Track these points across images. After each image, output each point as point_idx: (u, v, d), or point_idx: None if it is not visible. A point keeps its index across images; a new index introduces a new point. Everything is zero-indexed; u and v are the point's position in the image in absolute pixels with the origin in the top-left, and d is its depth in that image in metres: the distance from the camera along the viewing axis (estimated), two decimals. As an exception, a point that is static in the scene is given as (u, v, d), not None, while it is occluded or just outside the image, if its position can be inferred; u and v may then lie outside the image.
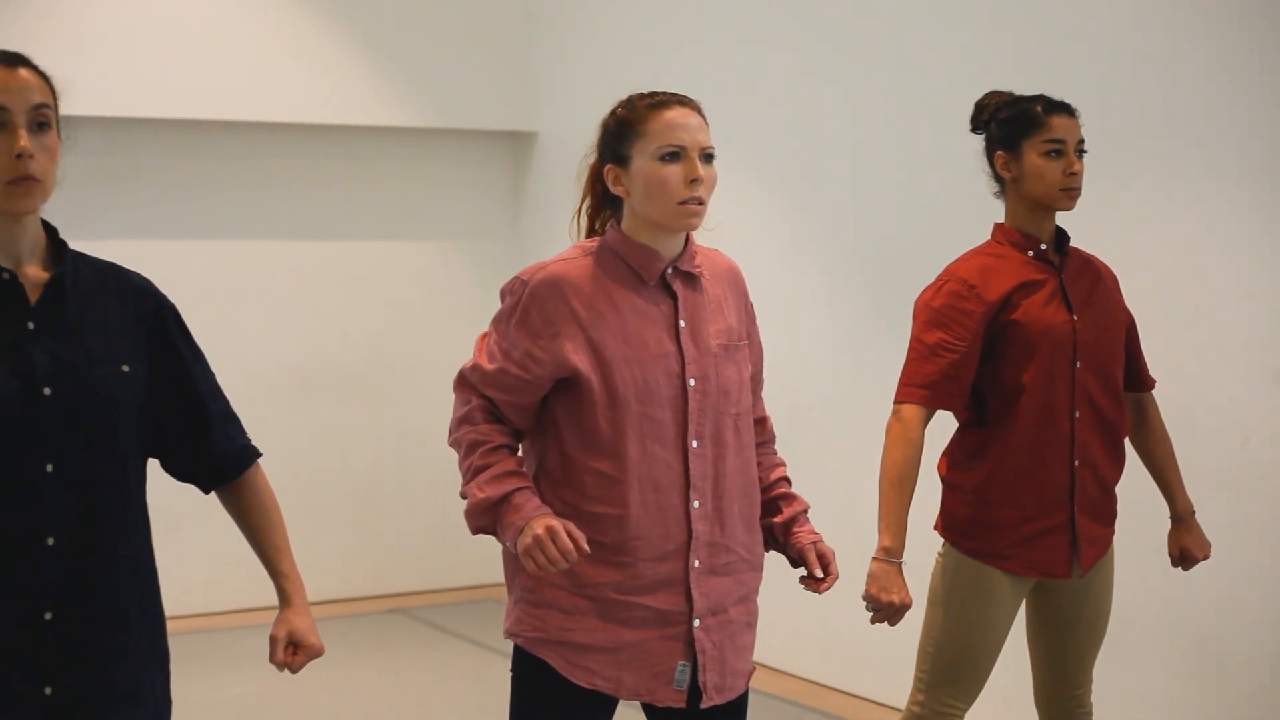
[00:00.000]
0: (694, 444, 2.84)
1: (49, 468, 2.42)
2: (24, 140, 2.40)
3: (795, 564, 3.02)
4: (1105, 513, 3.63)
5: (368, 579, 7.31)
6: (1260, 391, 4.44)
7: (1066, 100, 3.63)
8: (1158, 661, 4.64)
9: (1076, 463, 3.53)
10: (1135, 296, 4.75)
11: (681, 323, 2.88)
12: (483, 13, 7.44)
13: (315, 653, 2.68)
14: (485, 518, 2.84)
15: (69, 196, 7.12)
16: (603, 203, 2.99)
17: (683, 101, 2.90)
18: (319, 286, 7.22)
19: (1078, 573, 3.58)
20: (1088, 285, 3.64)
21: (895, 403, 3.57)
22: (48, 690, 2.42)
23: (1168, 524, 3.83)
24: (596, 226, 3.01)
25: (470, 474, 2.85)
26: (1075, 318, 3.56)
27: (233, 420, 2.70)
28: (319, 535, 7.00)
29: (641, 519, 2.81)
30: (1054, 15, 5.10)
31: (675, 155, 2.83)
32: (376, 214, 7.41)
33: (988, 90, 3.75)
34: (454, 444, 2.92)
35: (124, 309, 2.55)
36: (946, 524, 3.62)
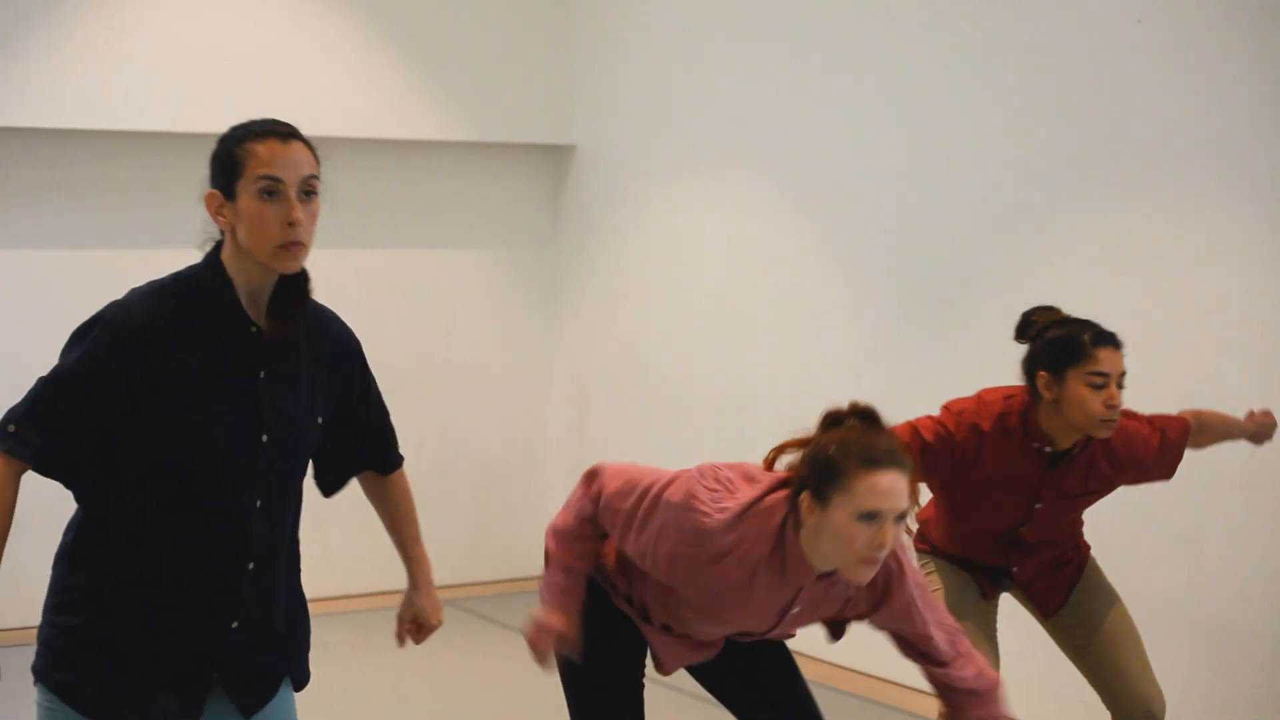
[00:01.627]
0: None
1: (258, 504, 2.73)
2: (296, 211, 2.66)
3: None
4: (1053, 558, 4.06)
5: (399, 575, 7.56)
6: (1265, 391, 4.68)
7: (1112, 332, 3.79)
8: (1171, 647, 4.90)
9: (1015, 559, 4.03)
10: (1148, 301, 5.06)
11: (795, 608, 3.14)
12: (524, 32, 7.75)
13: (433, 629, 3.05)
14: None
15: (149, 209, 7.50)
16: (792, 504, 3.00)
17: (896, 463, 2.86)
18: (368, 292, 7.50)
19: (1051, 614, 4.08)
20: (1079, 479, 3.91)
21: None
22: (215, 675, 2.75)
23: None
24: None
25: (559, 559, 3.21)
26: (1037, 505, 3.90)
27: (392, 434, 3.06)
28: (366, 532, 7.22)
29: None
30: (1083, 29, 5.35)
31: (873, 516, 2.83)
32: (423, 224, 7.72)
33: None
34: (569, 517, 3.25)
35: (326, 361, 2.85)
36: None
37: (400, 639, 3.06)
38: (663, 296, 7.31)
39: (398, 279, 7.65)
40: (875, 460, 2.83)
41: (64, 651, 2.71)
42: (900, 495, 2.83)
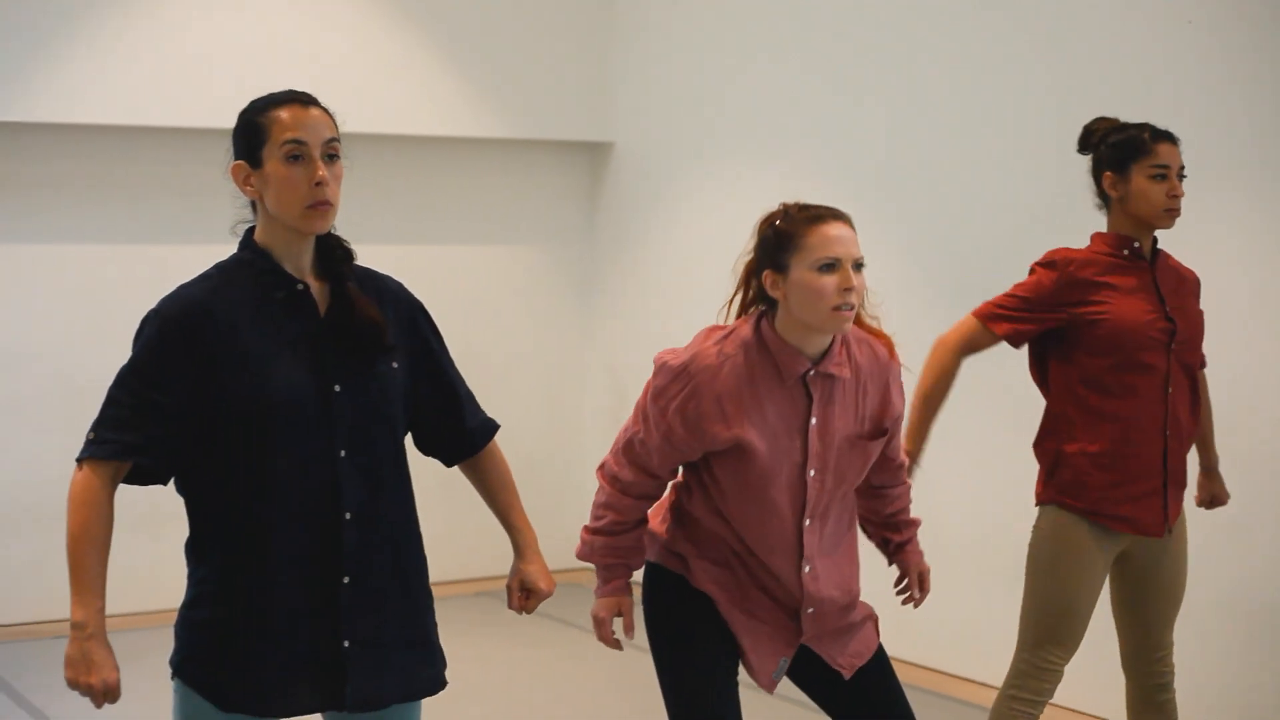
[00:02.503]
0: (807, 522, 3.24)
1: (342, 453, 2.81)
2: (321, 170, 2.79)
3: (899, 577, 3.54)
4: (1184, 478, 4.07)
5: (456, 564, 7.69)
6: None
7: (1169, 129, 4.03)
8: (1222, 631, 4.98)
9: (1168, 434, 3.96)
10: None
11: (813, 420, 3.21)
12: (563, 30, 7.82)
13: (545, 596, 3.10)
14: (589, 561, 3.38)
15: (209, 203, 7.61)
16: (754, 300, 3.30)
17: (838, 216, 3.19)
18: (409, 287, 7.56)
19: (1166, 531, 4.02)
20: (1174, 281, 4.06)
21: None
22: (346, 644, 2.82)
23: (1229, 505, 4.32)
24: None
25: (595, 530, 3.35)
26: (1166, 307, 3.98)
27: (473, 399, 3.12)
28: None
29: (763, 566, 3.27)
30: (1130, 28, 5.43)
31: (832, 265, 3.11)
32: (461, 219, 7.80)
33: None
34: (600, 484, 3.37)
35: (392, 317, 2.95)
36: (1055, 489, 4.02)
37: (514, 608, 3.12)
38: (701, 292, 7.33)
39: (436, 274, 7.71)
40: (819, 215, 3.17)
41: (198, 645, 2.81)
42: (852, 242, 3.15)
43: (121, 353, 7.78)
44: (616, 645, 3.40)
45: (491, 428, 3.14)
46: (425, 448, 3.09)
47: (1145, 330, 3.92)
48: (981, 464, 5.82)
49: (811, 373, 3.19)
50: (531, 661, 6.47)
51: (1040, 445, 4.08)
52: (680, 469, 3.36)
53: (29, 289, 6.82)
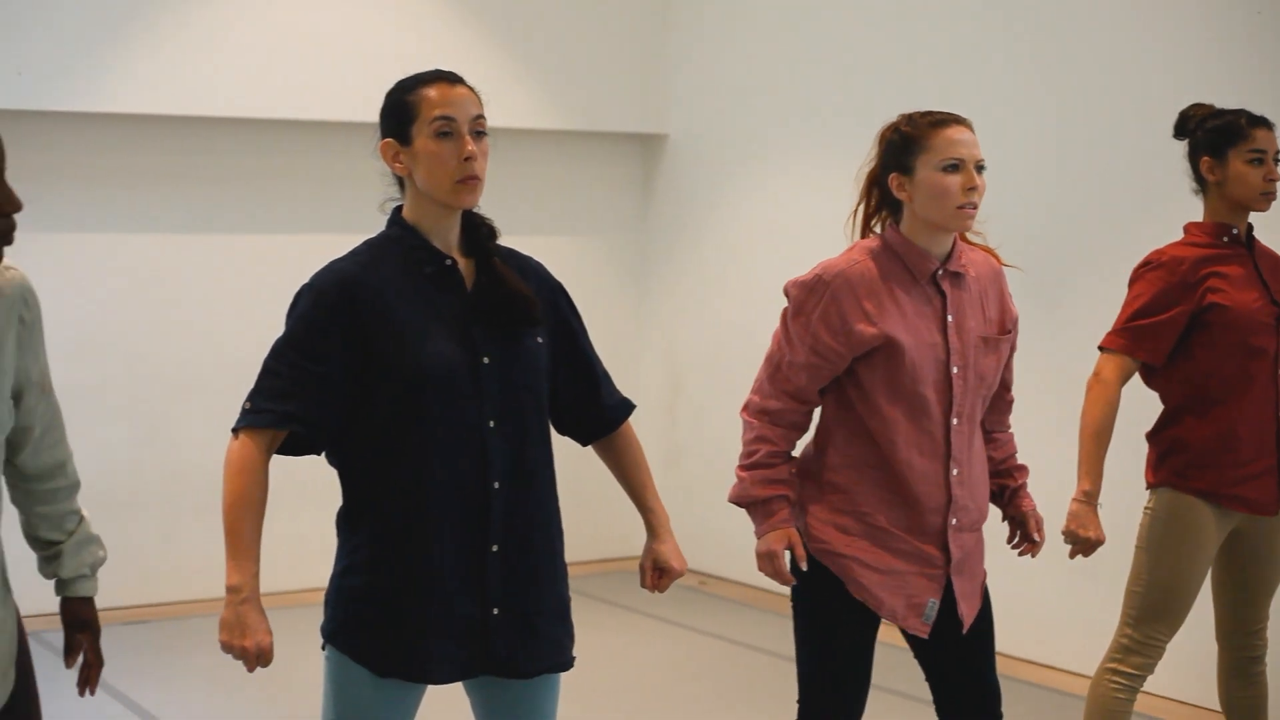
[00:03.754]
0: (954, 422, 3.35)
1: (491, 424, 2.86)
2: (470, 145, 2.86)
3: (1013, 525, 3.60)
4: None
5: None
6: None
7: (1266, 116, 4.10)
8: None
9: None
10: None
11: (949, 317, 3.36)
12: (618, 21, 7.88)
13: (677, 575, 3.12)
14: (744, 503, 3.43)
15: (275, 193, 7.63)
16: (879, 207, 3.48)
17: (960, 120, 3.36)
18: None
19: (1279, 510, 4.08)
20: (1272, 264, 4.13)
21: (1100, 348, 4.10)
22: (495, 611, 2.87)
23: None
24: (872, 225, 3.50)
25: (750, 465, 3.42)
26: (1270, 290, 4.05)
27: (610, 379, 3.16)
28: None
29: (909, 476, 3.35)
30: (1196, 18, 5.47)
31: (956, 166, 3.31)
32: (516, 210, 7.82)
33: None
34: (747, 422, 3.45)
35: (530, 289, 2.99)
36: (1170, 471, 4.08)
37: (647, 586, 3.13)
38: (757, 283, 7.41)
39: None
40: (943, 120, 3.35)
41: (351, 612, 2.86)
42: (974, 144, 3.34)
43: (187, 340, 7.89)
44: (790, 579, 3.42)
45: (628, 407, 3.18)
46: (562, 426, 3.13)
47: (1257, 316, 4.00)
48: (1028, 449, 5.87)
49: (940, 271, 3.36)
50: (608, 643, 6.53)
51: (1157, 435, 4.15)
52: (813, 430, 3.45)
53: (99, 277, 6.88)
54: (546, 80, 7.70)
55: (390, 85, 3.02)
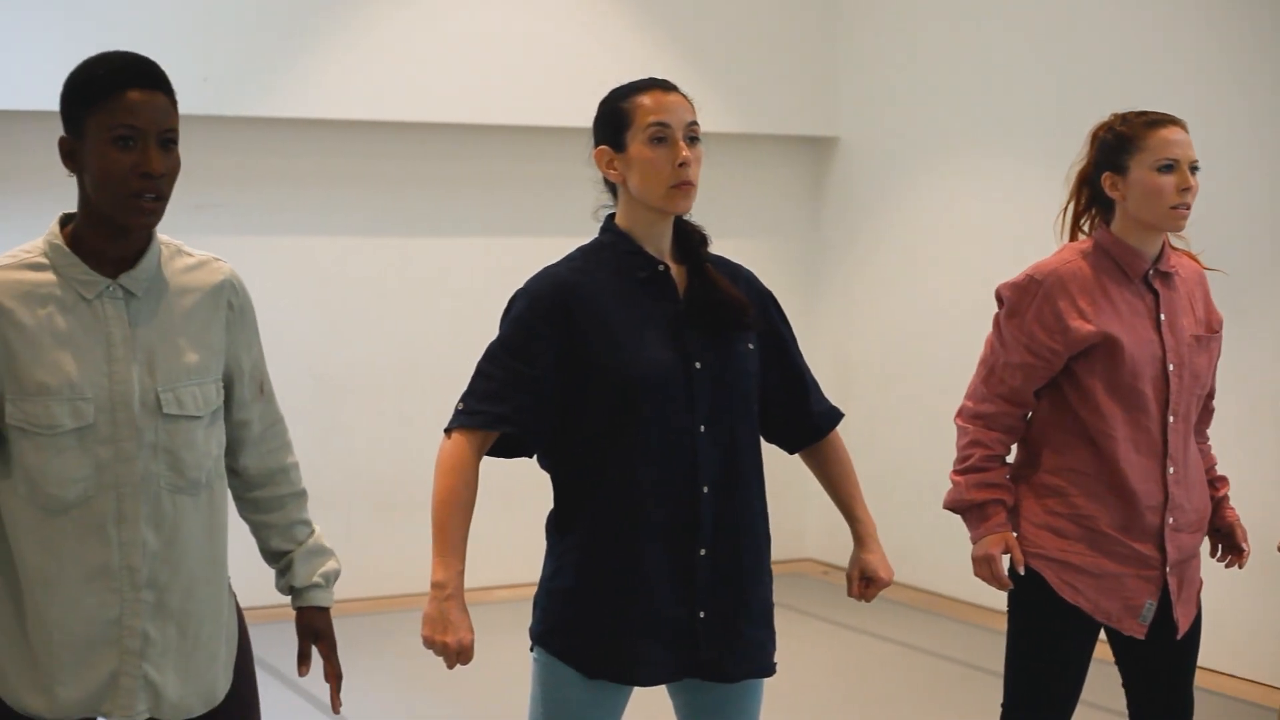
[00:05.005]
0: (1171, 419, 3.32)
1: (702, 428, 2.87)
2: (685, 151, 2.90)
3: (1217, 537, 3.56)
4: None
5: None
6: None
7: None
8: None
9: None
10: None
11: (1162, 316, 3.34)
12: (789, 24, 7.85)
13: (885, 584, 3.10)
14: (960, 507, 3.44)
15: (449, 197, 7.66)
16: (1089, 205, 3.46)
17: (1174, 120, 3.34)
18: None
19: None
20: None
21: None
22: (701, 614, 2.88)
23: None
24: (1081, 224, 3.48)
25: (965, 469, 3.42)
26: None
27: (818, 386, 3.15)
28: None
29: (1127, 474, 3.31)
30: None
31: (1171, 166, 3.29)
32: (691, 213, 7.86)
33: None
34: (961, 427, 3.46)
35: (752, 294, 3.02)
36: None
37: (854, 596, 3.12)
38: (930, 289, 7.34)
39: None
40: (1158, 120, 3.35)
41: (561, 614, 2.89)
42: (1188, 145, 3.32)
43: (364, 342, 7.98)
44: (1008, 584, 3.41)
45: (836, 415, 3.16)
46: (769, 433, 3.12)
47: None
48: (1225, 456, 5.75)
49: (1151, 271, 3.36)
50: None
51: None
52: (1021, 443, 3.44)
53: (281, 279, 7.00)
54: (716, 83, 7.68)
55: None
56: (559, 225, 7.38)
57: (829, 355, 8.04)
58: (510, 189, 7.33)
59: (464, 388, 2.89)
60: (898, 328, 7.57)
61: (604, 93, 3.02)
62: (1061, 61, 6.63)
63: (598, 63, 7.30)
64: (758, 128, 7.85)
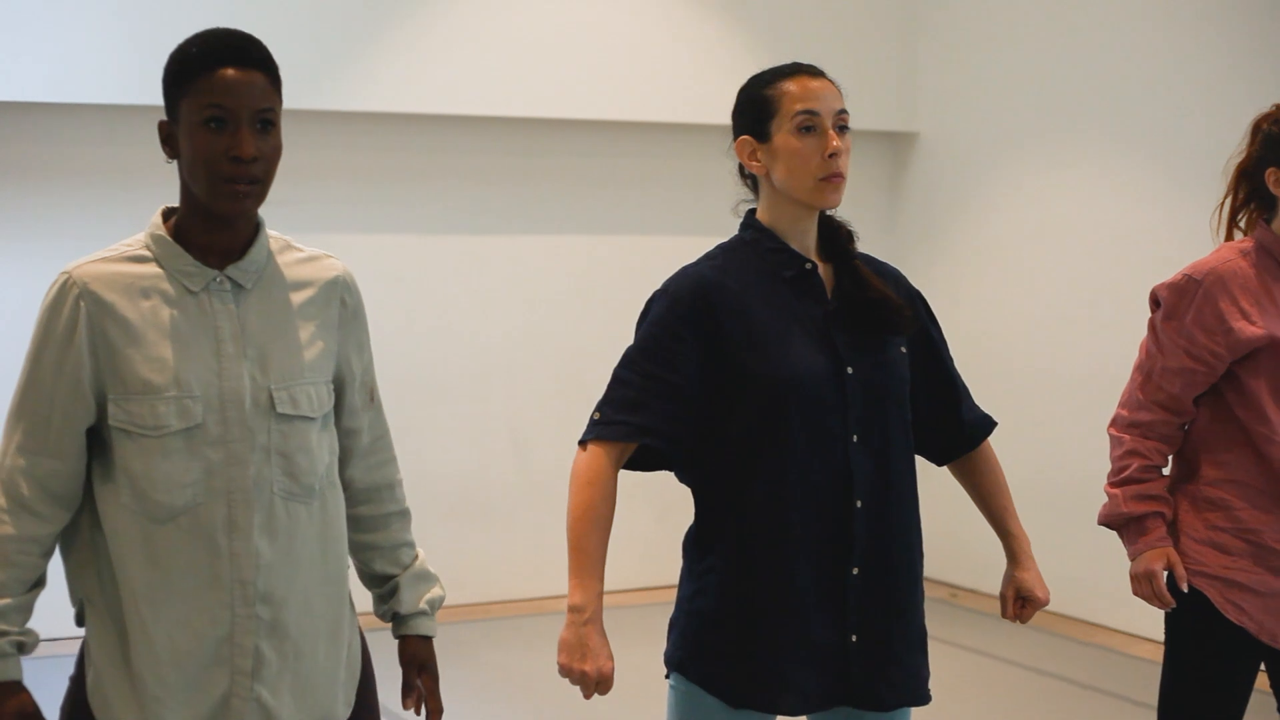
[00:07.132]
0: None
1: (854, 438, 2.67)
2: (835, 141, 2.69)
3: None
4: None
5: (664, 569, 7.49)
6: None
7: None
8: None
9: None
10: None
11: None
12: (868, 17, 7.71)
13: (1042, 604, 2.89)
14: (1116, 522, 3.24)
15: (496, 193, 7.52)
16: (1247, 200, 3.26)
17: None
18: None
19: None
20: None
21: None
22: (853, 639, 2.68)
23: None
24: (1238, 220, 3.28)
25: (1121, 481, 3.22)
26: None
27: (969, 393, 2.95)
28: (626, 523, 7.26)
29: None
30: None
31: None
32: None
33: None
34: (1116, 438, 3.26)
35: (901, 294, 2.82)
36: None
37: (1008, 617, 2.92)
38: (1012, 288, 7.19)
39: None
40: None
41: (702, 638, 2.70)
42: None
43: (439, 342, 7.83)
44: (1171, 602, 3.20)
45: (989, 424, 2.96)
46: (918, 444, 2.91)
47: None
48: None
49: None
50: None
51: None
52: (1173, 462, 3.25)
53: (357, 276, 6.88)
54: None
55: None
56: (624, 223, 7.24)
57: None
58: (589, 185, 7.17)
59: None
60: (975, 326, 7.39)
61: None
62: (1157, 50, 6.45)
63: (674, 59, 7.20)
64: (837, 123, 7.65)
